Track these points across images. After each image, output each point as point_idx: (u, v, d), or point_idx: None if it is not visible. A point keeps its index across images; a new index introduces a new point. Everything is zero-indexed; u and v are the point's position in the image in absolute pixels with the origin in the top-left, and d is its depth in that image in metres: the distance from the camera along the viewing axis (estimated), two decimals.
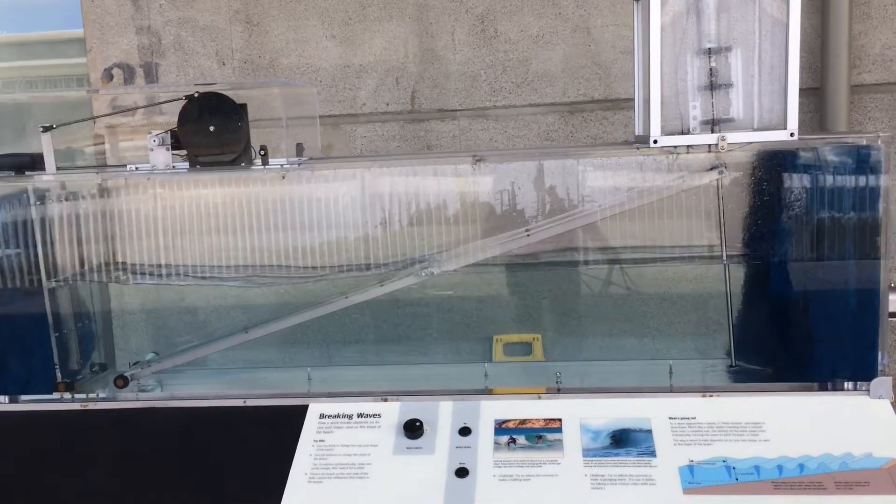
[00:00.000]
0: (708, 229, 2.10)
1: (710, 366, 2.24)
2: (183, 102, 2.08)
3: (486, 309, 2.72)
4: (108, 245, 2.28)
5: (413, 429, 1.91)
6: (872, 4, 2.95)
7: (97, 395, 2.24)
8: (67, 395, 2.24)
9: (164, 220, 2.23)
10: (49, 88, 3.85)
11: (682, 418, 1.90)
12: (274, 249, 2.21)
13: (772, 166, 2.03)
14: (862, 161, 1.94)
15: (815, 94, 2.96)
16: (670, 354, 2.38)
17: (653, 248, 2.14)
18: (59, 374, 2.30)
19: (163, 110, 2.20)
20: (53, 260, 2.27)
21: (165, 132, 2.10)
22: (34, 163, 2.18)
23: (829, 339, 2.03)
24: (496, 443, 1.88)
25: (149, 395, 2.27)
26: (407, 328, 2.71)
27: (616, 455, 1.82)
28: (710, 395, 1.97)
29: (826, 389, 1.99)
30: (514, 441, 1.88)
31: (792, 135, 1.90)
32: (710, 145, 1.95)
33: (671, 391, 2.03)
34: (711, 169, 2.04)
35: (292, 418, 2.00)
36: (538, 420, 1.94)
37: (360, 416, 1.99)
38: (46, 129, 2.12)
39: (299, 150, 2.18)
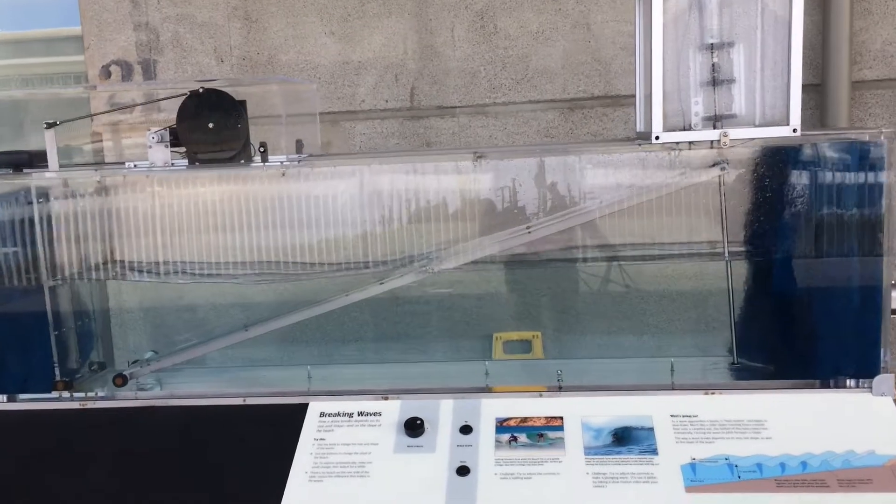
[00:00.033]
0: (710, 226, 2.09)
1: (711, 363, 2.23)
2: (181, 99, 2.07)
3: (485, 307, 2.71)
4: (107, 243, 2.27)
5: (414, 427, 1.90)
6: (873, 0, 2.94)
7: (96, 393, 2.23)
8: (66, 394, 2.23)
9: (162, 217, 2.21)
10: (46, 86, 3.83)
11: (683, 416, 1.90)
12: (273, 247, 2.20)
13: (774, 162, 2.02)
14: (865, 157, 1.93)
15: (815, 91, 2.95)
16: (671, 352, 2.37)
17: (655, 245, 2.13)
18: (57, 373, 2.29)
19: (161, 107, 2.19)
20: (53, 258, 2.26)
21: (164, 129, 2.09)
22: (32, 160, 2.17)
23: (831, 337, 2.02)
24: (497, 441, 1.88)
25: (148, 393, 2.26)
26: (406, 326, 2.71)
27: (618, 453, 1.82)
28: (712, 393, 1.96)
29: (828, 387, 1.98)
30: (515, 439, 1.88)
31: (794, 131, 1.89)
32: (712, 141, 1.95)
33: (673, 389, 2.03)
34: (713, 165, 2.03)
35: (292, 417, 1.99)
36: (539, 418, 1.93)
37: (360, 414, 1.99)
38: (50, 126, 2.11)
39: (299, 147, 2.17)
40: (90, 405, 2.14)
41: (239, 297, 2.46)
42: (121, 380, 2.25)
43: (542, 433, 1.89)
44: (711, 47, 1.92)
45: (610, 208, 2.08)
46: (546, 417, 1.93)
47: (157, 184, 2.20)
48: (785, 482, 1.71)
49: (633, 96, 2.08)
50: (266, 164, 2.10)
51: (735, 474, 1.74)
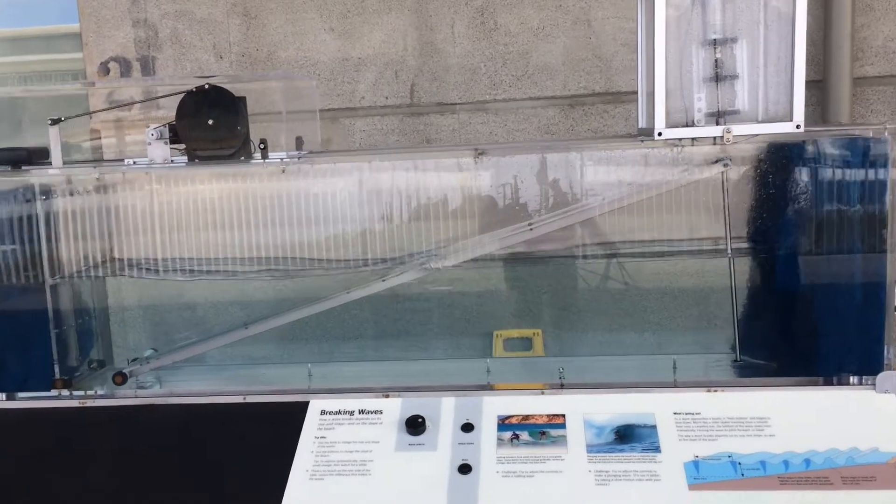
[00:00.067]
0: (712, 223, 2.08)
1: (714, 360, 2.23)
2: (181, 96, 2.06)
3: (486, 304, 2.71)
4: (107, 240, 2.26)
5: (415, 425, 1.89)
6: None
7: (95, 391, 2.22)
8: (65, 392, 2.22)
9: (162, 214, 2.20)
10: (44, 83, 3.82)
11: (686, 413, 1.89)
12: (273, 244, 2.19)
13: (777, 159, 2.01)
14: (868, 153, 1.93)
15: (817, 87, 2.94)
16: (673, 349, 2.36)
17: (657, 241, 2.12)
18: (57, 371, 2.28)
19: (160, 104, 2.18)
20: (53, 255, 2.25)
21: (163, 126, 2.08)
22: (31, 157, 2.16)
23: (834, 334, 2.02)
24: (499, 439, 1.87)
25: (147, 391, 2.25)
26: (407, 323, 2.70)
27: (620, 451, 1.81)
28: (715, 391, 1.95)
29: (832, 384, 1.98)
30: (517, 437, 1.87)
31: (798, 127, 1.88)
32: (715, 138, 1.94)
33: (675, 386, 2.02)
34: (716, 161, 2.02)
35: (293, 415, 1.98)
36: (541, 416, 1.92)
37: (361, 412, 1.98)
38: (55, 122, 2.09)
39: (299, 143, 2.16)
40: (90, 403, 2.13)
41: (239, 295, 2.45)
42: (120, 378, 2.24)
43: (543, 431, 1.87)
44: (714, 43, 1.91)
45: (612, 205, 2.08)
46: (548, 415, 1.92)
47: (157, 181, 2.19)
48: (788, 480, 1.70)
49: (634, 93, 2.07)
50: (266, 160, 2.09)
51: (738, 472, 1.73)
